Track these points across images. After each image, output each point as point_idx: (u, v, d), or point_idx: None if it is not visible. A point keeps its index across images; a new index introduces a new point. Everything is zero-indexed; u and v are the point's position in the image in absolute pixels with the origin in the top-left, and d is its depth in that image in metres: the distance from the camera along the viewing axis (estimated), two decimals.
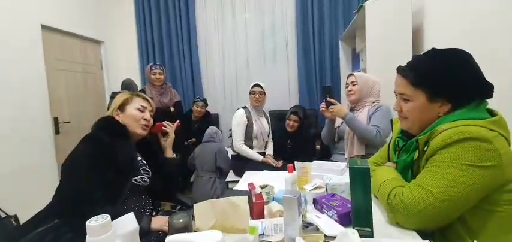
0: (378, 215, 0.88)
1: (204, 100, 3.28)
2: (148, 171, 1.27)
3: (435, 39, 2.08)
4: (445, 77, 0.84)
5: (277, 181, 1.21)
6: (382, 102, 1.86)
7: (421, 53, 0.93)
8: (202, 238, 0.49)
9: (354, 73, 1.89)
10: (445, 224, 0.79)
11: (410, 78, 0.88)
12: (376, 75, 1.92)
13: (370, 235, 0.76)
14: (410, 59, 0.94)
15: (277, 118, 3.10)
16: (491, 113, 0.84)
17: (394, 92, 0.97)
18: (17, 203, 2.18)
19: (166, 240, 0.53)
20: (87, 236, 0.44)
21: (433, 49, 0.90)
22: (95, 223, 0.44)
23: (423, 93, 0.86)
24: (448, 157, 0.76)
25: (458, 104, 0.83)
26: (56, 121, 2.73)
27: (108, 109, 1.37)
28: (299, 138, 2.64)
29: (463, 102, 0.83)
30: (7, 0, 2.28)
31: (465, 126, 0.77)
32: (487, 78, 0.83)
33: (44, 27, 2.61)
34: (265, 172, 1.62)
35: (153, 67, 2.92)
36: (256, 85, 2.48)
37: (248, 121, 2.45)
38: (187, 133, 3.10)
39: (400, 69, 0.93)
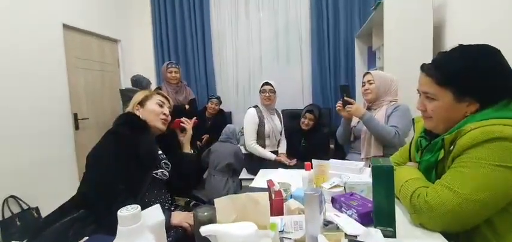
0: (400, 216, 0.86)
1: (218, 98, 3.34)
2: (169, 164, 1.30)
3: (458, 36, 2.01)
4: (473, 76, 0.80)
5: (292, 179, 1.21)
6: (400, 101, 1.81)
7: (447, 50, 0.89)
8: (236, 229, 0.49)
9: (371, 72, 1.85)
10: (471, 227, 0.76)
11: (435, 76, 0.85)
12: (395, 74, 1.88)
13: (393, 235, 0.74)
14: (435, 56, 0.91)
15: (291, 116, 3.08)
16: None
17: (417, 90, 0.95)
18: (38, 196, 2.28)
19: (200, 230, 0.54)
20: (118, 225, 0.45)
21: (460, 45, 0.86)
22: (126, 213, 0.45)
23: (449, 93, 0.83)
24: (476, 157, 0.73)
25: (487, 103, 0.80)
26: (75, 117, 2.83)
27: (123, 105, 1.41)
28: (313, 137, 2.61)
29: (492, 100, 0.80)
30: (31, 0, 2.37)
31: (494, 125, 0.74)
32: None
33: (65, 26, 2.70)
34: (281, 170, 1.62)
35: (169, 66, 2.97)
36: (266, 83, 2.41)
37: (259, 120, 2.41)
38: (200, 130, 3.13)
39: (424, 67, 0.90)
